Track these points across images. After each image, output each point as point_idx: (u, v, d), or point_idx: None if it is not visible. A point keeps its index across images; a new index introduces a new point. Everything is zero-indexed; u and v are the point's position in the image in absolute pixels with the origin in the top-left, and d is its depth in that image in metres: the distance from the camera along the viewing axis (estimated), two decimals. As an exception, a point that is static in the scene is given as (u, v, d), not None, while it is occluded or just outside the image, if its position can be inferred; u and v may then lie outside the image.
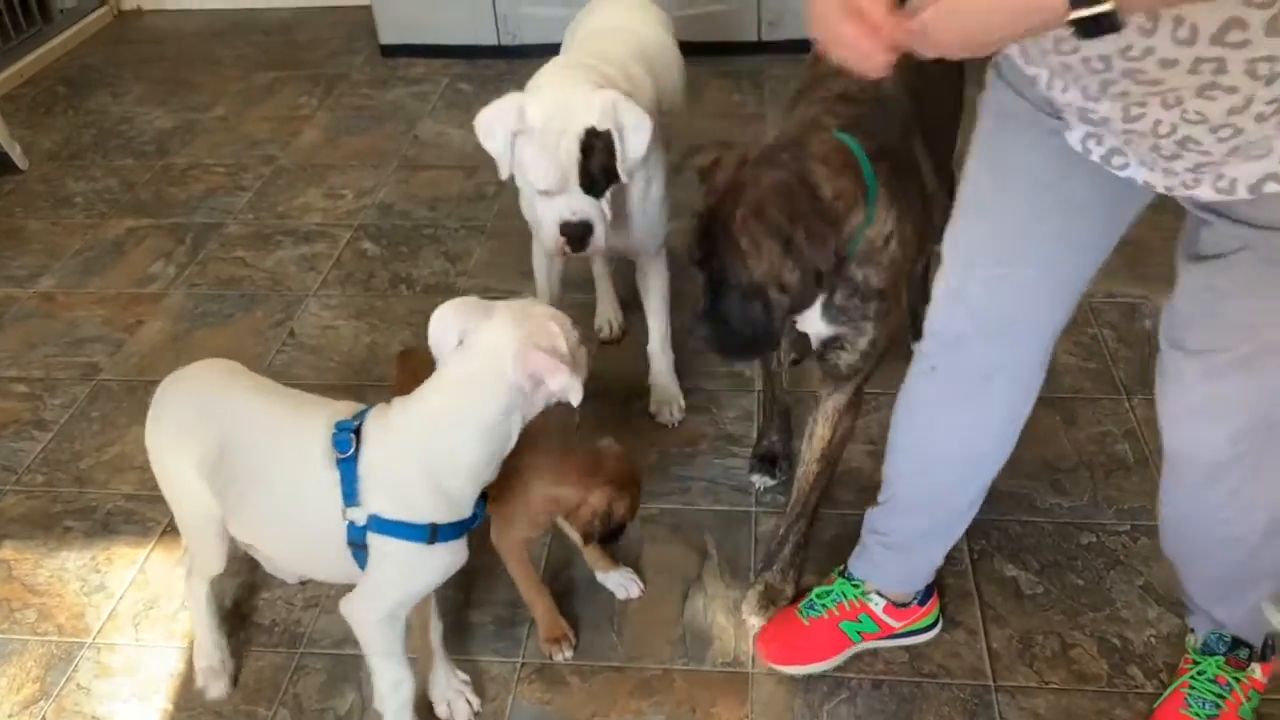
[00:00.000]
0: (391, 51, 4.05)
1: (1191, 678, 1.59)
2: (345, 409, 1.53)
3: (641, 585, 1.89)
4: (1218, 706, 1.56)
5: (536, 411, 1.48)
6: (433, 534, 1.46)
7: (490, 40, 3.91)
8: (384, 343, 2.55)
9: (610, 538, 1.76)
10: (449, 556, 1.50)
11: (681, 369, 2.35)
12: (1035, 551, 1.92)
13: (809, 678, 1.73)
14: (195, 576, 1.73)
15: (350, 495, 1.45)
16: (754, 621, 1.82)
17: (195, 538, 1.68)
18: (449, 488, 1.45)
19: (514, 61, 3.56)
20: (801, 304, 1.57)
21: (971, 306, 1.43)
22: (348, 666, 1.78)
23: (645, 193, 2.04)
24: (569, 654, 1.77)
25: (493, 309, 1.47)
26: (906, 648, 1.76)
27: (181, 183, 3.30)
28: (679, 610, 1.86)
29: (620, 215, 1.98)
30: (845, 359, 1.67)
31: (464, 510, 1.49)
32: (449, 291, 2.72)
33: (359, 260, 2.87)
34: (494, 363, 1.43)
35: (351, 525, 1.46)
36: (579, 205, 1.85)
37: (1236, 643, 1.57)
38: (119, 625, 1.90)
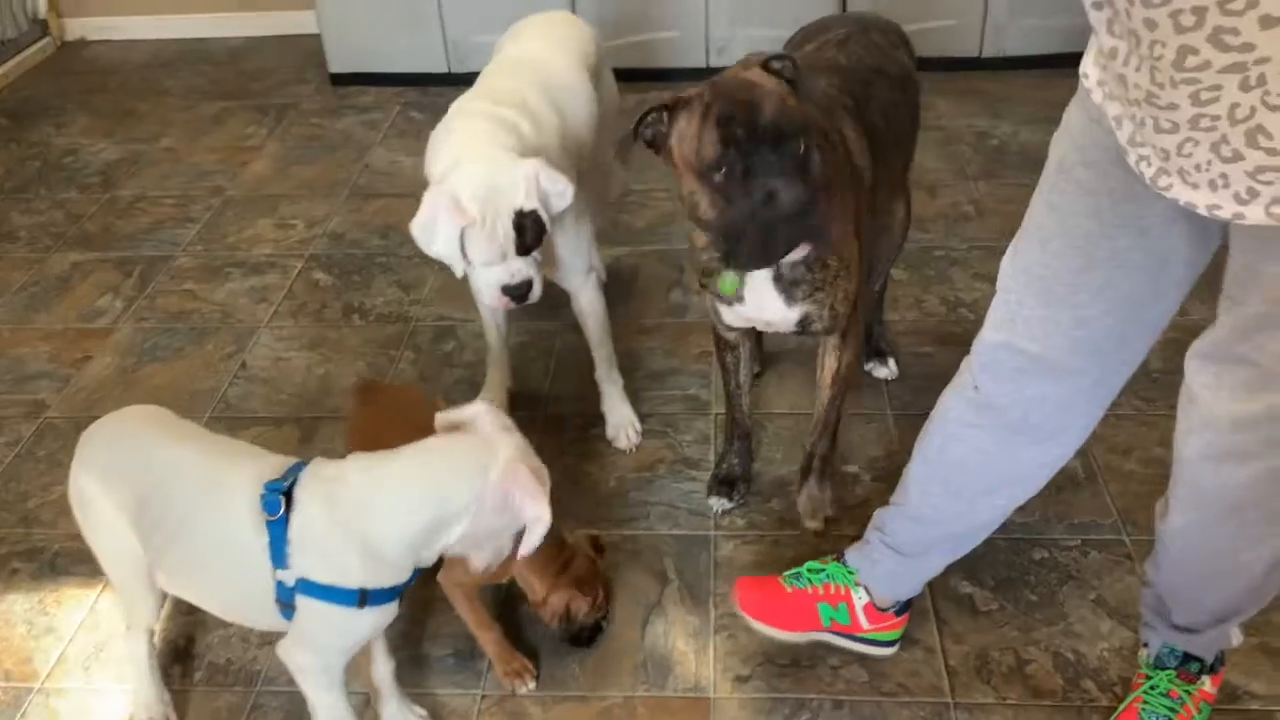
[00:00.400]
0: (341, 80, 4.04)
1: (1145, 692, 1.61)
2: (275, 465, 1.50)
3: None
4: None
5: (479, 534, 1.44)
6: (362, 599, 1.43)
7: (441, 68, 3.92)
8: (337, 373, 2.53)
9: (582, 640, 1.81)
10: (379, 617, 1.48)
11: (637, 395, 2.36)
12: (989, 568, 1.94)
13: (771, 699, 1.74)
14: (133, 630, 1.70)
15: (279, 558, 1.43)
16: (812, 525, 2.04)
17: (124, 589, 1.65)
18: (387, 557, 1.43)
19: (465, 89, 3.56)
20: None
21: (1016, 344, 1.43)
22: (304, 704, 1.75)
23: (560, 222, 2.05)
24: (531, 685, 1.77)
25: (513, 431, 1.47)
26: (866, 666, 1.78)
27: (128, 215, 3.26)
28: (640, 636, 1.86)
29: (545, 248, 2.02)
30: (820, 326, 1.80)
31: (399, 576, 1.46)
32: (403, 320, 2.71)
33: (311, 290, 2.85)
34: (480, 459, 1.41)
35: (280, 585, 1.44)
36: (517, 268, 1.90)
37: (1188, 657, 1.60)
38: (68, 669, 1.86)
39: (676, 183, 1.66)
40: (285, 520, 1.42)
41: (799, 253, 1.64)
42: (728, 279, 1.76)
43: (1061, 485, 2.10)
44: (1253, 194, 1.09)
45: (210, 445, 1.58)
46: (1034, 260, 1.38)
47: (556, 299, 2.42)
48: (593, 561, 1.82)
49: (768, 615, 1.76)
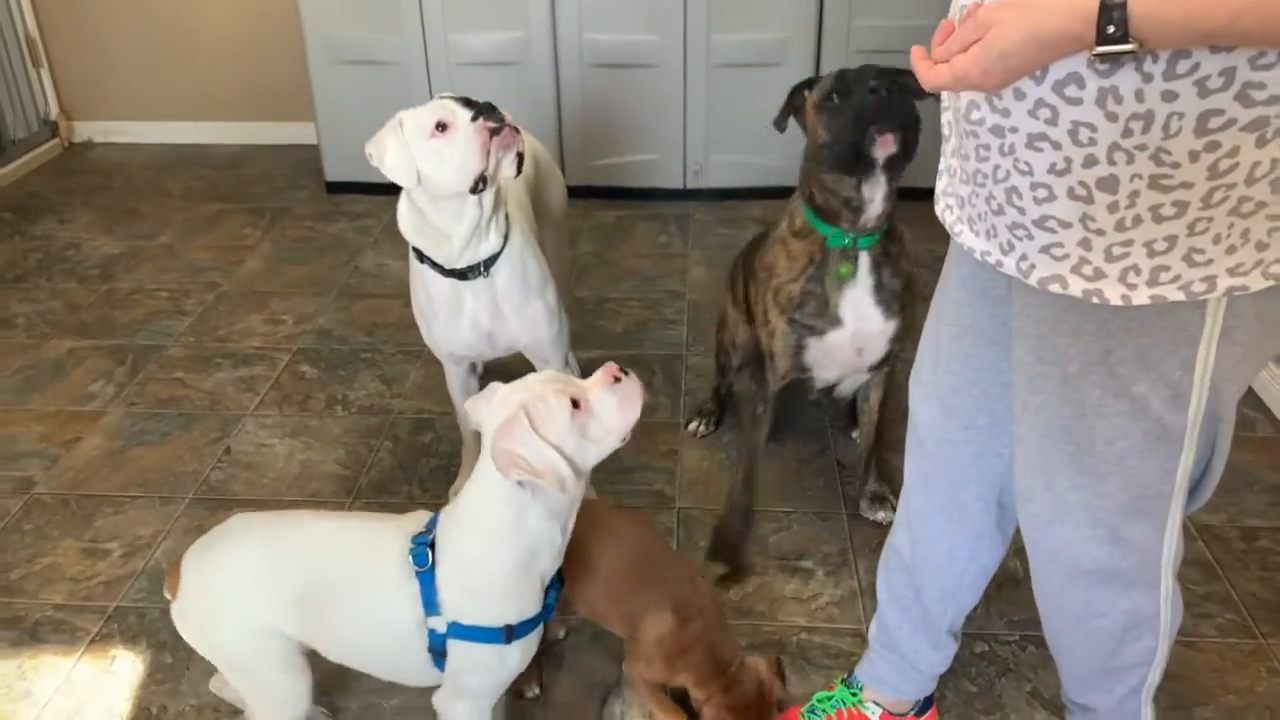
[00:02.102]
0: (336, 188, 4.24)
1: (1072, 774, 1.71)
2: (416, 522, 1.58)
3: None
4: (1096, 801, 1.67)
5: (572, 500, 1.48)
6: (509, 635, 1.52)
7: (431, 180, 4.13)
8: (318, 460, 2.64)
9: None
10: (525, 650, 1.57)
11: (605, 488, 2.47)
12: (933, 660, 2.04)
13: (720, 778, 1.81)
14: None
15: (430, 605, 1.51)
16: (881, 517, 2.40)
17: (275, 690, 1.64)
18: (506, 587, 1.50)
19: (453, 200, 3.79)
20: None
21: (917, 416, 1.61)
22: (272, 771, 1.82)
23: (543, 290, 2.18)
24: None
25: (493, 393, 1.47)
26: (812, 751, 1.86)
27: (124, 306, 3.40)
28: (597, 716, 1.93)
29: (497, 314, 2.15)
30: (893, 350, 2.20)
31: (532, 605, 1.54)
32: (384, 412, 2.83)
33: (296, 382, 2.98)
34: (487, 461, 1.44)
35: (432, 633, 1.52)
36: (473, 109, 1.92)
37: (1109, 740, 1.69)
38: (42, 732, 1.92)
39: (808, 135, 2.08)
40: (433, 570, 1.50)
41: (891, 147, 1.92)
42: (843, 265, 2.07)
43: (1003, 583, 2.21)
44: (1010, 247, 1.25)
45: (349, 520, 1.65)
46: (929, 330, 1.56)
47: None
48: (762, 690, 1.81)
49: None
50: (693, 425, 2.72)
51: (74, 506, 2.49)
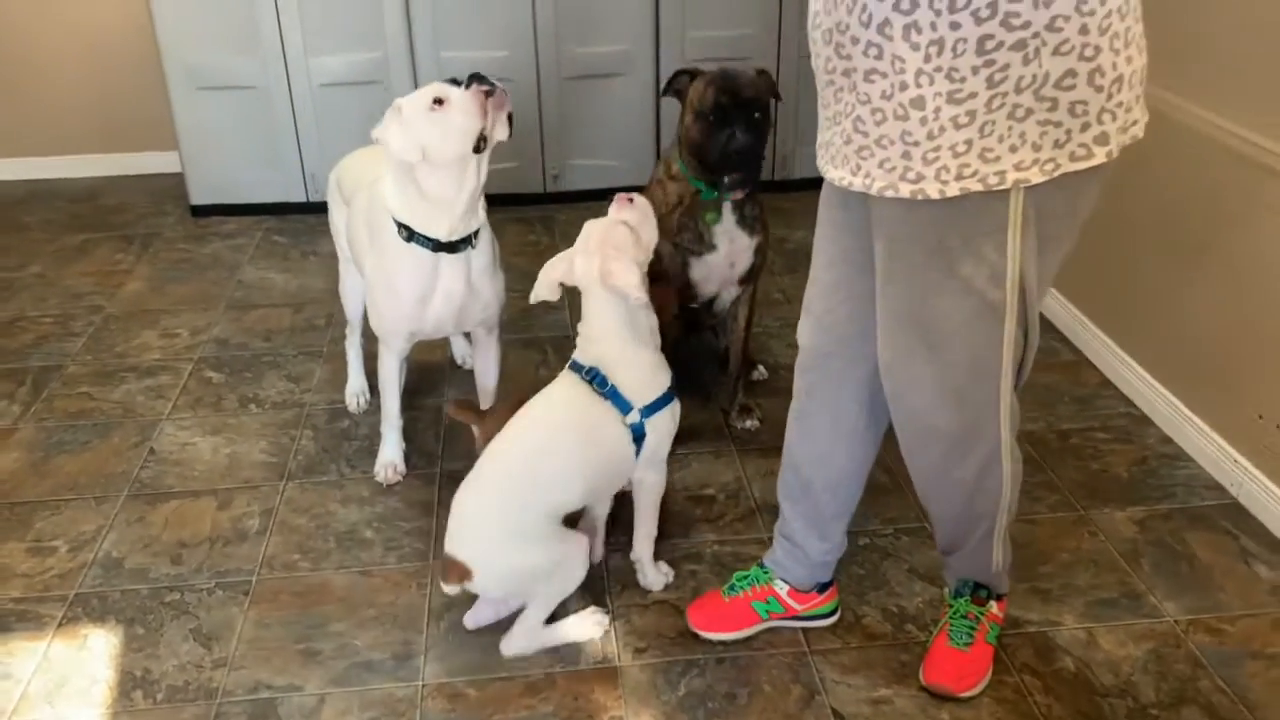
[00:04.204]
0: (202, 211, 4.33)
1: (950, 618, 2.08)
2: (569, 382, 2.14)
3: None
4: (971, 635, 2.05)
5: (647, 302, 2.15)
6: (674, 393, 2.16)
7: (300, 198, 4.28)
8: (244, 451, 2.79)
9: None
10: (678, 411, 2.20)
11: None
12: (826, 555, 2.40)
13: (667, 662, 2.11)
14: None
15: (623, 406, 2.08)
16: (749, 425, 2.87)
17: (571, 554, 2.11)
18: (651, 363, 2.15)
19: (323, 216, 3.93)
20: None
21: (802, 337, 1.97)
22: (264, 707, 2.01)
23: (498, 263, 2.47)
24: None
25: (573, 253, 2.13)
26: (738, 634, 2.18)
27: (10, 334, 3.42)
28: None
29: (470, 287, 2.41)
30: (756, 262, 2.71)
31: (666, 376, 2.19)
32: (297, 406, 3.00)
33: (205, 387, 3.11)
34: (593, 287, 2.11)
35: (634, 426, 2.09)
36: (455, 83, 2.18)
37: (977, 586, 2.08)
38: (33, 704, 2.03)
39: (683, 118, 2.58)
40: (612, 386, 2.08)
41: (736, 192, 2.57)
42: (710, 213, 2.59)
43: (875, 491, 2.59)
44: (858, 168, 1.63)
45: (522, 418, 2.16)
46: (811, 272, 1.94)
47: (437, 380, 2.77)
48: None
49: (716, 625, 2.15)
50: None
51: (7, 513, 2.57)
